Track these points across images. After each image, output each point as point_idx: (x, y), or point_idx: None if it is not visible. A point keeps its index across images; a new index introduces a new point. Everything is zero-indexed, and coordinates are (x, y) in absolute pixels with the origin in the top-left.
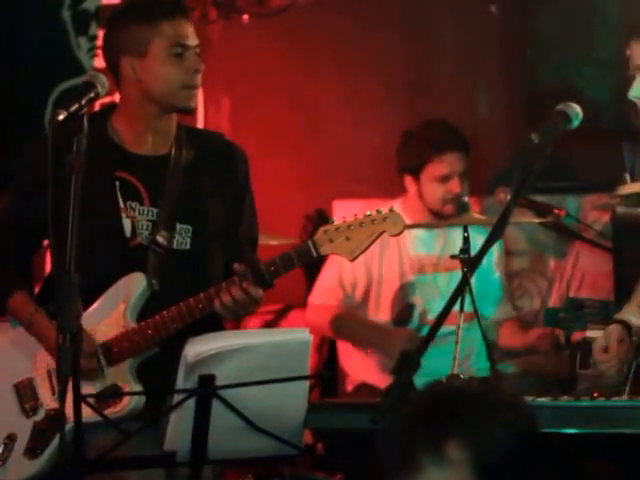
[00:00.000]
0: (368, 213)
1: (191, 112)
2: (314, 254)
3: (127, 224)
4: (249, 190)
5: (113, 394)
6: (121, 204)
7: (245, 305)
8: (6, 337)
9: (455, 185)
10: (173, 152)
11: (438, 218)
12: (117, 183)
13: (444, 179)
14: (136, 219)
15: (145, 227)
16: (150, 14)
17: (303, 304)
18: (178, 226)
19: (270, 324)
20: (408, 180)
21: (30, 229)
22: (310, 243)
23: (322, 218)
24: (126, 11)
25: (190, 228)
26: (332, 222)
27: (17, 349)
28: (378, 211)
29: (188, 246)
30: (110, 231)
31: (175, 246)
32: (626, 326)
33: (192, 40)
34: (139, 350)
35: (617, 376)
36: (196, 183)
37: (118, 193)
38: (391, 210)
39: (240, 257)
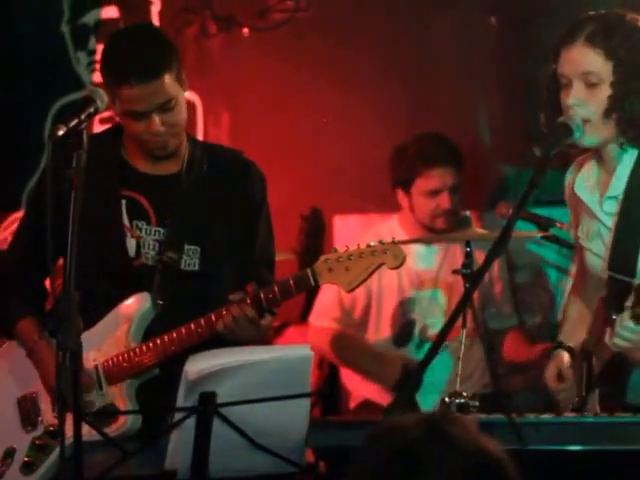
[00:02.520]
0: (371, 244)
1: (164, 157)
2: (312, 284)
3: (131, 244)
4: (265, 210)
5: (111, 413)
6: (127, 223)
7: (244, 326)
8: (14, 353)
9: (445, 200)
10: (184, 171)
11: (432, 233)
12: (123, 202)
13: (434, 193)
14: (142, 239)
15: (152, 247)
16: (113, 74)
17: (300, 321)
18: (186, 247)
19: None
20: (400, 194)
21: (42, 251)
22: (309, 272)
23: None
24: (105, 52)
25: (199, 249)
26: (335, 251)
27: (24, 365)
28: (380, 242)
29: (197, 267)
30: (113, 251)
31: (183, 267)
32: (570, 350)
33: (151, 104)
34: (139, 371)
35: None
36: (207, 203)
37: (124, 212)
38: (393, 242)
39: (255, 279)
